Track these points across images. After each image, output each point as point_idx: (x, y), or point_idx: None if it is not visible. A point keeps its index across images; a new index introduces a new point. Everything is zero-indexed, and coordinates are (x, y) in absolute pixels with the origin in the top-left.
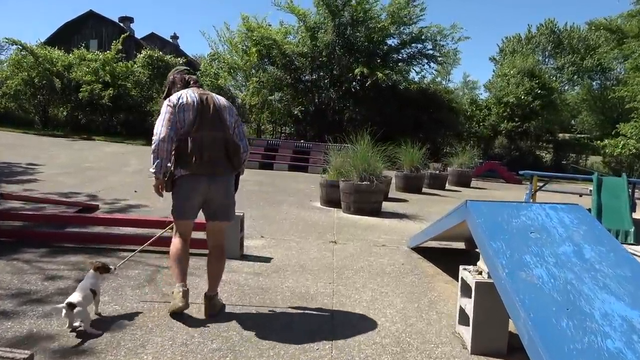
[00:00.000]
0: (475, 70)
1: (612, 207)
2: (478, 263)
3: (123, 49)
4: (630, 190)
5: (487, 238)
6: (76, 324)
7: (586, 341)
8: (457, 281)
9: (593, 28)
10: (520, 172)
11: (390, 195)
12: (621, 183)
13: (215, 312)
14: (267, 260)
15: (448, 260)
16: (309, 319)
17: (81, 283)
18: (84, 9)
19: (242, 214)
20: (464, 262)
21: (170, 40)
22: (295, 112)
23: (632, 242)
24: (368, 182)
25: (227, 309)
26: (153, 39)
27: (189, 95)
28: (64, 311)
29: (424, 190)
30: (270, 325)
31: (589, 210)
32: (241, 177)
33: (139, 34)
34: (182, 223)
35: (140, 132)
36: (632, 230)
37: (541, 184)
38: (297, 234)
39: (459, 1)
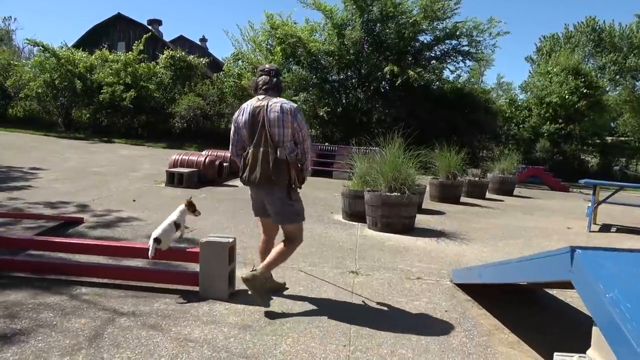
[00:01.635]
0: (508, 72)
1: None
2: (589, 352)
3: (149, 50)
4: None
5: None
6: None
7: None
8: (528, 346)
9: None
10: (582, 181)
11: (424, 206)
12: None
13: (255, 290)
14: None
15: (506, 304)
16: None
17: (169, 216)
18: (114, 12)
19: (231, 240)
20: (529, 306)
21: (199, 43)
22: (321, 114)
23: None
24: (398, 193)
25: None
26: (182, 42)
27: (245, 109)
28: (151, 243)
29: (462, 199)
30: None
31: None
32: None
33: (167, 37)
34: (259, 220)
35: (162, 134)
36: None
37: (604, 196)
38: (309, 260)
39: (489, 1)
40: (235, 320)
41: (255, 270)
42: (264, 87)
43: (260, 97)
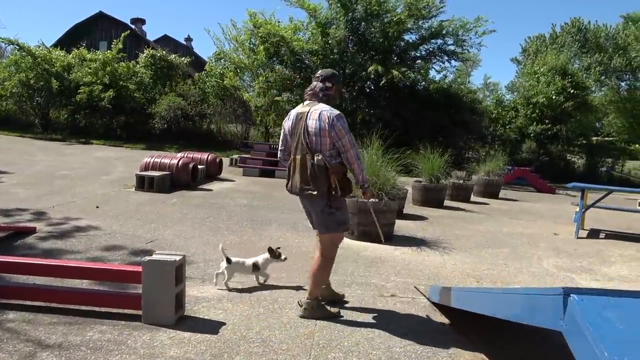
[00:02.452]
0: (495, 72)
1: None
2: None
3: (131, 49)
4: None
5: None
6: (261, 280)
7: None
8: None
9: (629, 22)
10: (570, 185)
11: (405, 211)
12: None
13: (306, 315)
14: (214, 328)
15: (488, 329)
16: None
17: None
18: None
19: (179, 259)
20: (515, 332)
21: (184, 43)
22: None
23: None
24: (376, 199)
25: None
26: (166, 41)
27: (291, 115)
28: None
29: (446, 203)
30: None
31: None
32: (233, 187)
33: (152, 36)
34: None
35: (142, 135)
36: None
37: (592, 199)
38: (275, 274)
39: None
40: (177, 354)
41: (301, 303)
42: (309, 93)
43: (306, 102)
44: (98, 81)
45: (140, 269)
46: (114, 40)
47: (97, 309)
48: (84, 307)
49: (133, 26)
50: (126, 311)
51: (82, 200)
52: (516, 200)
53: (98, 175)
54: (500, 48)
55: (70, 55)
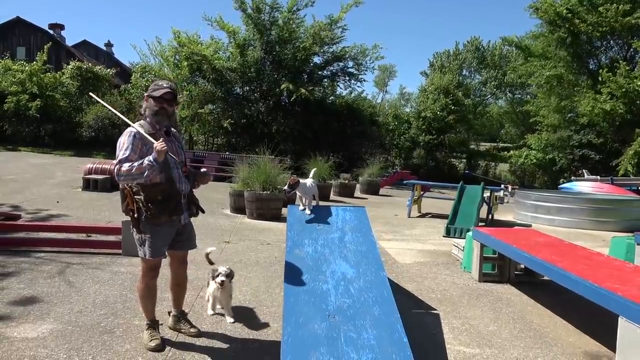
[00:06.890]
0: (411, 83)
1: (466, 211)
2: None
3: (51, 56)
4: (489, 195)
5: (288, 229)
6: None
7: (312, 286)
8: None
9: (506, 43)
10: (404, 182)
11: (297, 203)
12: (478, 190)
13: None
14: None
15: None
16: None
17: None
18: (12, 16)
19: None
20: None
21: (104, 48)
22: (225, 125)
23: None
24: (269, 192)
25: (120, 296)
26: (86, 47)
27: None
28: None
29: (333, 197)
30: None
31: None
32: None
33: (70, 41)
34: None
35: (69, 143)
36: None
37: (426, 192)
38: (197, 237)
39: (398, 17)
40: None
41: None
42: None
43: None
44: (26, 91)
45: (121, 225)
46: (38, 53)
47: (93, 250)
48: (84, 250)
49: (52, 31)
50: (110, 251)
51: (42, 197)
52: (391, 196)
53: (44, 179)
54: (421, 59)
55: None
